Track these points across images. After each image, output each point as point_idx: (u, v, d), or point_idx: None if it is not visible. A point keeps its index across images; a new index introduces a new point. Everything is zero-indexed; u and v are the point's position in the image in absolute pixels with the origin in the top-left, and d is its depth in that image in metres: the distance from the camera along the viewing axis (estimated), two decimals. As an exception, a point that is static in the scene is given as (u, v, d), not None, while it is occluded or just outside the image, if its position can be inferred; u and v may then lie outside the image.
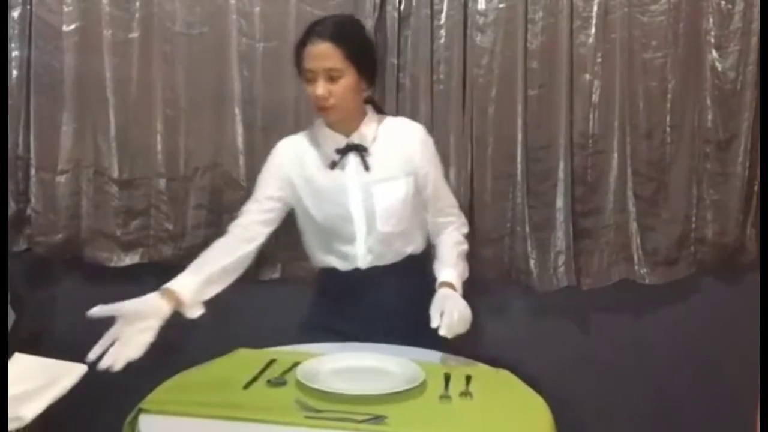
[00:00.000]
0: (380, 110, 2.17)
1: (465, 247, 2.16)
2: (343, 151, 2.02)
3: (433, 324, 1.77)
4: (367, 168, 2.01)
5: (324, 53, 1.91)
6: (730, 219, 2.57)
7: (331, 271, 2.11)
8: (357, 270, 2.07)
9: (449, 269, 2.02)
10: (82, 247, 2.68)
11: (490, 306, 2.71)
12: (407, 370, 1.73)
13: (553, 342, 2.70)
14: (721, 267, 2.63)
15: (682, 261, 2.61)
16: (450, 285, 1.96)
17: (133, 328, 1.60)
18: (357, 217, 2.03)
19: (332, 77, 1.92)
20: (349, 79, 1.94)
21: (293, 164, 2.07)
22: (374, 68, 2.05)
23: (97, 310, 1.57)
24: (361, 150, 2.02)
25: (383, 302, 2.05)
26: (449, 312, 1.79)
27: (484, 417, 1.56)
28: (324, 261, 2.12)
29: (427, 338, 1.82)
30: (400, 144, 2.05)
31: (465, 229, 2.20)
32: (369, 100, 2.11)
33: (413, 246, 2.12)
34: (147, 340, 1.61)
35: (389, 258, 2.08)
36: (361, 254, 2.06)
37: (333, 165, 2.03)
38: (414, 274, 2.09)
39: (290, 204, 2.09)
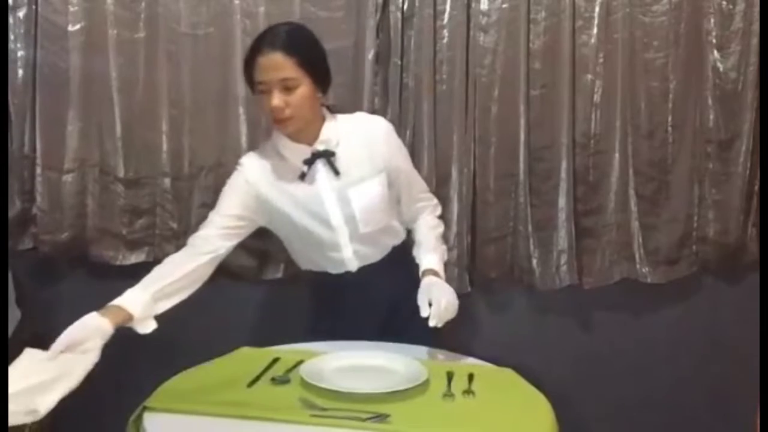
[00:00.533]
0: (333, 110, 2.09)
1: (441, 229, 2.17)
2: (310, 161, 1.97)
3: (423, 314, 1.78)
4: (337, 173, 1.97)
5: (276, 64, 1.85)
6: (731, 218, 2.59)
7: (322, 275, 2.10)
8: (347, 272, 2.06)
9: (431, 255, 2.03)
10: (87, 246, 2.69)
11: (492, 305, 2.73)
12: (410, 369, 1.73)
13: (555, 340, 2.71)
14: (723, 266, 2.64)
15: (683, 260, 2.62)
16: (434, 272, 1.97)
17: (73, 354, 1.53)
18: (337, 225, 1.99)
19: (287, 87, 1.85)
20: (304, 88, 1.88)
21: (262, 182, 1.99)
22: (328, 74, 1.98)
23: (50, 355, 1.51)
24: (328, 156, 1.97)
25: (378, 300, 2.06)
26: (437, 301, 1.80)
27: (487, 415, 1.57)
28: (314, 266, 2.11)
29: (424, 332, 1.82)
30: (364, 142, 2.01)
31: (438, 211, 2.21)
32: (321, 103, 2.02)
33: (396, 238, 2.12)
34: (90, 361, 1.53)
35: (377, 255, 2.07)
36: (348, 258, 2.04)
37: (303, 176, 1.97)
38: (402, 265, 2.08)
39: (257, 223, 2.03)
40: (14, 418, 1.38)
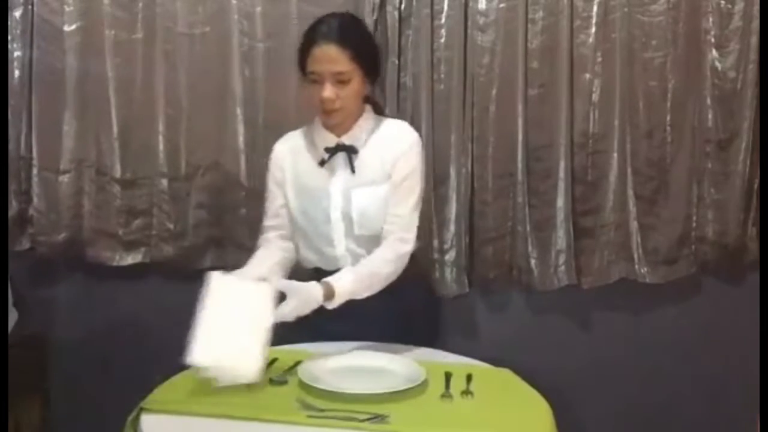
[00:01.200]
0: (380, 111, 2.11)
1: (389, 269, 1.94)
2: (333, 151, 1.99)
3: (263, 289, 1.73)
4: (353, 170, 1.97)
5: (331, 56, 1.86)
6: (730, 218, 2.58)
7: (318, 273, 2.09)
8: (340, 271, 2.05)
9: (348, 275, 1.86)
10: (84, 247, 2.68)
11: (490, 305, 2.72)
12: (408, 369, 1.73)
13: (554, 340, 2.70)
14: (722, 266, 2.63)
15: (682, 260, 2.61)
16: (328, 288, 1.80)
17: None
18: (335, 220, 2.00)
19: (340, 81, 1.88)
20: (356, 82, 1.90)
21: (288, 162, 2.05)
22: (378, 67, 2.01)
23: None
24: (350, 151, 1.98)
25: (369, 302, 2.03)
26: (291, 305, 1.72)
27: (485, 416, 1.56)
28: (309, 260, 2.10)
29: (412, 338, 1.80)
30: (387, 149, 1.99)
31: (406, 248, 1.98)
32: (369, 100, 2.05)
33: None
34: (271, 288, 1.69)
35: None
36: (341, 255, 2.03)
37: (322, 162, 1.99)
38: None
39: None
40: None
